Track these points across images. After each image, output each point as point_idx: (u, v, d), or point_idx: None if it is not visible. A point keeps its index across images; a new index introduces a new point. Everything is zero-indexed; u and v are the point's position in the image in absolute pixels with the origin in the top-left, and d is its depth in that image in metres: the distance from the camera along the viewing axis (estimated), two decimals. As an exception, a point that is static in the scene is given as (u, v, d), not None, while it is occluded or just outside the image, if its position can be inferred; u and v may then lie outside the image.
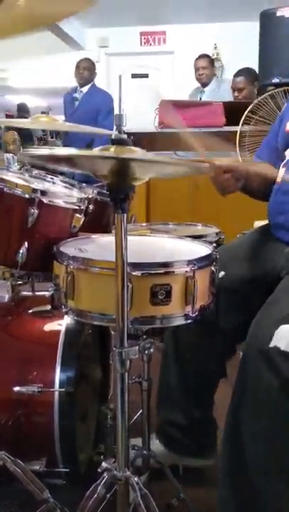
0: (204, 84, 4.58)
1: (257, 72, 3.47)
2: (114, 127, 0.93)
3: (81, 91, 4.40)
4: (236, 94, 3.83)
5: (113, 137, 0.90)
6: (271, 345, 1.07)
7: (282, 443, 1.11)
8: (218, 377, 1.53)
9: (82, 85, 4.39)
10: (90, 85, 4.40)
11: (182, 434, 1.53)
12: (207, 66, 4.57)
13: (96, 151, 0.93)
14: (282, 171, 1.48)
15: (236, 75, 3.94)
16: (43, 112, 5.90)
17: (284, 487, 1.12)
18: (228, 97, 3.95)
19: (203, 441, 1.53)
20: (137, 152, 0.93)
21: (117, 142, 0.90)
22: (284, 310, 1.15)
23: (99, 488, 1.06)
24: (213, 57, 5.62)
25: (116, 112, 0.93)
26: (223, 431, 1.22)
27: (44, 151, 0.95)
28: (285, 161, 1.49)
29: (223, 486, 1.20)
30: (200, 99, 4.46)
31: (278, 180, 1.48)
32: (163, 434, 1.56)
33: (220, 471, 1.21)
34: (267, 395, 1.10)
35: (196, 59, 4.61)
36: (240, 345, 1.34)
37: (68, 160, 0.99)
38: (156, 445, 1.54)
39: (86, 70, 4.37)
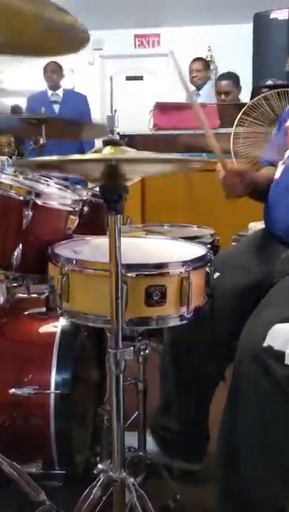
0: (198, 87, 4.62)
1: (250, 75, 3.49)
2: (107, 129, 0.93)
3: (57, 94, 4.39)
4: (224, 97, 3.88)
5: (106, 138, 0.90)
6: (265, 344, 1.08)
7: (274, 443, 1.12)
8: (217, 379, 1.53)
9: (53, 88, 4.38)
10: (61, 88, 4.42)
11: (175, 439, 1.53)
12: (201, 69, 4.62)
13: (88, 155, 0.93)
14: (281, 167, 1.50)
15: (221, 78, 4.02)
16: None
17: (276, 485, 1.14)
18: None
19: (192, 450, 1.54)
20: (130, 152, 0.93)
21: (110, 143, 0.91)
22: (277, 313, 1.15)
23: (95, 489, 1.06)
24: (207, 59, 5.64)
25: (108, 113, 0.94)
26: (218, 430, 1.22)
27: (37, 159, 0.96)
28: (284, 159, 1.51)
29: (220, 484, 1.22)
30: (196, 99, 4.49)
31: (276, 177, 1.50)
32: (157, 437, 1.56)
33: (217, 470, 1.23)
34: (259, 396, 1.10)
35: (191, 62, 4.66)
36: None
37: (60, 166, 0.99)
38: (150, 443, 1.54)
39: (54, 72, 4.37)
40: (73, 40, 1.04)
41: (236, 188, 1.39)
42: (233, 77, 3.92)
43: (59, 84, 4.41)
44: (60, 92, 4.40)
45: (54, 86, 4.38)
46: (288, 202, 1.42)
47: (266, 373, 1.08)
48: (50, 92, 4.40)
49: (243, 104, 2.92)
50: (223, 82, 3.93)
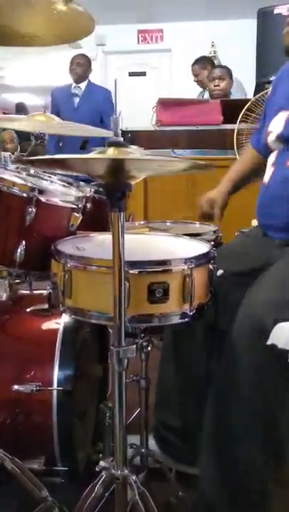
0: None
1: (254, 70, 3.48)
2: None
3: (79, 87, 4.34)
4: (217, 82, 3.71)
5: (109, 140, 0.90)
6: (268, 342, 1.08)
7: (266, 413, 1.13)
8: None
9: (77, 81, 4.32)
10: (86, 82, 4.35)
11: (177, 438, 1.51)
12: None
13: (91, 154, 0.93)
14: (270, 170, 1.47)
15: (214, 67, 3.94)
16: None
17: (262, 455, 1.16)
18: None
19: (195, 451, 1.53)
20: (133, 152, 0.93)
21: (114, 144, 0.90)
22: (272, 288, 1.19)
23: (97, 486, 1.06)
24: (210, 55, 5.62)
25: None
26: (209, 399, 1.24)
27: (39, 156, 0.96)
28: (272, 161, 1.48)
29: (207, 452, 1.24)
30: (202, 97, 4.46)
31: (265, 180, 1.48)
32: (159, 437, 1.55)
33: (204, 437, 1.25)
34: (253, 368, 1.11)
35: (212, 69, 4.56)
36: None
37: (63, 163, 0.99)
38: (153, 445, 1.53)
39: (80, 66, 4.28)
40: (77, 27, 1.03)
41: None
42: (225, 67, 3.85)
43: (84, 78, 4.33)
44: (83, 85, 4.34)
45: (78, 79, 4.30)
46: (283, 210, 1.41)
47: (261, 340, 1.09)
48: (73, 85, 4.33)
49: (247, 100, 2.91)
50: (217, 69, 3.84)
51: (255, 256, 1.43)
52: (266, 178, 1.48)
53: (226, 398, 1.18)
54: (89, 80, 4.38)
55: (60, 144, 4.23)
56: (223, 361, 1.21)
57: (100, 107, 4.18)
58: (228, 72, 3.79)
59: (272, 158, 1.48)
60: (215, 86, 3.75)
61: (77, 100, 4.31)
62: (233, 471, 1.18)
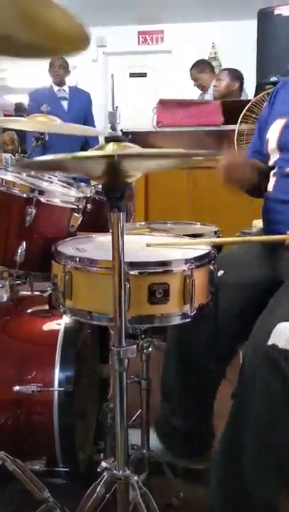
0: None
1: (254, 71, 3.47)
2: (109, 125, 0.92)
3: (64, 90, 4.32)
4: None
5: (107, 135, 0.90)
6: (269, 342, 1.07)
7: (278, 441, 1.12)
8: (219, 377, 1.52)
9: (60, 84, 4.30)
10: (66, 84, 4.34)
11: (179, 438, 1.52)
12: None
13: (88, 153, 0.93)
14: (273, 179, 1.47)
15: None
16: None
17: (275, 483, 1.15)
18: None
19: (198, 448, 1.54)
20: (132, 148, 0.93)
21: (112, 140, 0.90)
22: (285, 314, 1.14)
23: (99, 487, 1.06)
24: (211, 56, 5.61)
25: (109, 109, 0.93)
26: (224, 427, 1.22)
27: (38, 158, 0.95)
28: (274, 171, 1.47)
29: (217, 472, 1.23)
30: (203, 97, 4.45)
31: (269, 189, 1.47)
32: (161, 433, 1.56)
33: (216, 462, 1.23)
34: (267, 395, 1.10)
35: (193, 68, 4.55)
36: (241, 345, 1.34)
37: (61, 165, 0.99)
38: (154, 439, 1.54)
39: (62, 68, 4.26)
40: (74, 40, 1.01)
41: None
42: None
43: (64, 81, 4.34)
44: (66, 88, 4.34)
45: (60, 82, 4.29)
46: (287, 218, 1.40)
47: (275, 372, 1.07)
48: (56, 88, 4.30)
49: (247, 101, 2.91)
50: (219, 71, 3.98)
51: (261, 266, 1.40)
52: (270, 187, 1.48)
53: (238, 432, 1.17)
54: (66, 83, 4.39)
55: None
56: (237, 394, 1.19)
57: (85, 108, 4.24)
58: (228, 74, 3.85)
59: (273, 166, 1.48)
60: (214, 86, 3.85)
61: (66, 103, 4.30)
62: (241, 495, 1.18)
